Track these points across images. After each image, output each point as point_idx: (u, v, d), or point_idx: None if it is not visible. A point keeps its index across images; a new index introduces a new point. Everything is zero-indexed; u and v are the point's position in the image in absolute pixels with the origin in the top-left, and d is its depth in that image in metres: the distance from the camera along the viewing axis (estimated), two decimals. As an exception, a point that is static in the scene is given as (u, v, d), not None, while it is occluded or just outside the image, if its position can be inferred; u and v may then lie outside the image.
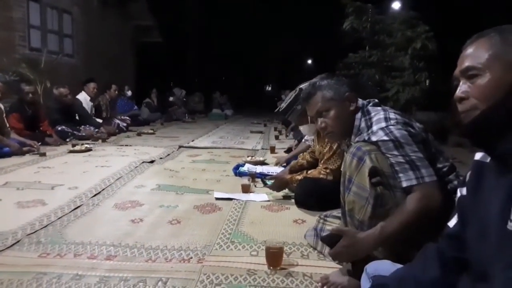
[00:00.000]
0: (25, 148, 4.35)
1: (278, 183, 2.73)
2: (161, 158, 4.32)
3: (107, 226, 2.15)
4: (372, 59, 7.59)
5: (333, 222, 1.78)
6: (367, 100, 1.67)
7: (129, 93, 8.72)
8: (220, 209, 2.49)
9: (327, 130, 1.64)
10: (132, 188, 2.97)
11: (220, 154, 4.74)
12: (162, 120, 9.24)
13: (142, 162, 3.91)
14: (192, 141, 5.92)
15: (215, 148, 5.27)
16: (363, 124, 1.58)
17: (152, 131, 6.91)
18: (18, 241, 1.88)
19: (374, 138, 1.47)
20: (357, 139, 1.58)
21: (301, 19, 21.63)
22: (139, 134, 6.52)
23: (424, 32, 6.55)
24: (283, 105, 2.86)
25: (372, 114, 1.57)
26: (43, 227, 2.07)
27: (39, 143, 4.62)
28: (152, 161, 4.05)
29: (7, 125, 4.56)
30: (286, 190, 2.80)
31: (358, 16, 7.59)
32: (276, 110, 5.03)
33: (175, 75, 14.93)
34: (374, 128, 1.50)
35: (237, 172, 3.52)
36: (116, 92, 7.44)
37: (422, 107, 6.93)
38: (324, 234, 1.76)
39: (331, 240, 1.35)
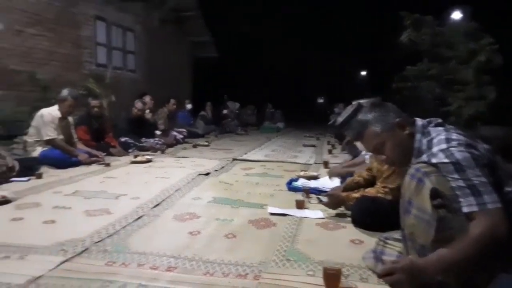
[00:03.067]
0: (91, 159, 4.66)
1: (334, 201, 2.69)
2: (216, 170, 4.43)
3: (167, 237, 2.23)
4: (432, 72, 7.31)
5: (394, 245, 1.72)
6: (428, 119, 1.62)
7: (189, 106, 9.08)
8: (274, 225, 2.49)
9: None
10: (190, 200, 3.07)
11: (273, 168, 4.76)
12: (216, 132, 9.47)
13: (199, 174, 4.03)
14: (245, 153, 6.01)
15: (268, 161, 5.30)
16: (424, 146, 1.53)
17: (207, 143, 7.11)
18: (86, 249, 2.01)
19: (434, 160, 1.42)
20: (417, 160, 1.54)
21: (354, 30, 21.34)
22: (194, 146, 6.73)
23: (489, 44, 6.21)
24: (340, 119, 2.83)
25: (433, 134, 1.52)
26: (109, 236, 2.20)
27: (104, 154, 4.93)
28: (207, 173, 4.16)
29: (75, 136, 4.93)
30: (342, 208, 2.74)
31: (416, 28, 7.37)
32: (329, 123, 4.96)
33: (229, 89, 15.31)
34: (435, 149, 1.45)
35: (291, 186, 3.51)
36: (175, 106, 7.76)
37: (487, 122, 6.54)
38: (384, 257, 1.71)
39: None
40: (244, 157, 5.64)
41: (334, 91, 22.57)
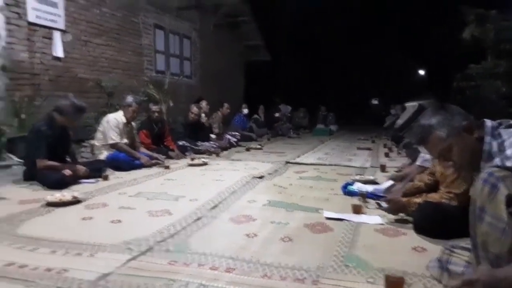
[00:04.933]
0: (152, 161, 4.89)
1: (394, 206, 2.60)
2: (269, 173, 4.45)
3: (225, 238, 2.28)
4: (498, 70, 6.83)
5: (461, 254, 1.63)
6: (498, 121, 1.52)
7: (246, 110, 9.22)
8: (331, 230, 2.46)
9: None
10: (245, 202, 3.12)
11: (327, 171, 4.70)
12: (269, 135, 9.53)
13: (253, 177, 4.08)
14: (298, 157, 5.98)
15: (322, 165, 5.24)
16: (495, 149, 1.44)
17: (259, 147, 7.18)
18: (150, 248, 2.11)
19: (509, 163, 1.33)
20: (487, 164, 1.45)
21: (411, 27, 20.45)
22: (248, 149, 6.82)
23: None
24: (399, 121, 2.73)
25: (505, 137, 1.43)
26: (171, 236, 2.29)
27: (164, 157, 5.15)
28: (261, 177, 4.19)
29: (138, 140, 5.19)
30: (402, 214, 2.64)
31: (479, 24, 6.93)
32: (385, 125, 4.79)
33: (281, 91, 15.34)
34: (508, 152, 1.36)
35: (346, 191, 3.45)
36: (228, 110, 7.92)
37: None
38: (450, 266, 1.62)
39: None
40: (297, 160, 5.62)
41: (389, 91, 21.76)
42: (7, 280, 1.69)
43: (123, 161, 4.60)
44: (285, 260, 1.95)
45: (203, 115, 7.12)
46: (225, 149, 6.75)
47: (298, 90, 18.80)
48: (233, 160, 5.61)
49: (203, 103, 7.31)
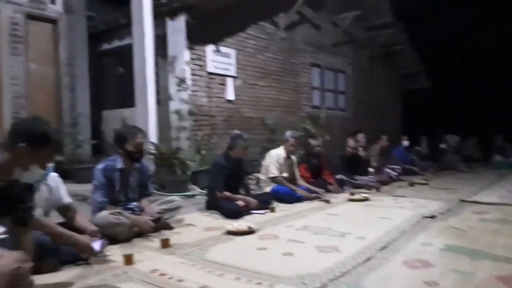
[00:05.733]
0: (311, 195, 5.00)
1: None
2: (441, 213, 4.03)
3: (401, 284, 2.14)
4: None
5: None
6: None
7: (406, 142, 8.71)
8: (534, 287, 2.06)
9: None
10: (418, 245, 2.88)
11: (515, 213, 4.00)
12: (434, 169, 8.71)
13: (423, 217, 3.76)
14: (475, 194, 5.27)
15: (508, 205, 4.49)
16: None
17: (425, 182, 6.61)
18: (324, 285, 2.13)
19: None
20: None
21: None
22: (411, 185, 6.36)
23: None
24: None
25: None
26: (342, 275, 2.27)
27: (323, 191, 5.22)
28: (433, 216, 3.83)
29: (298, 174, 5.40)
30: None
31: None
32: None
33: (445, 120, 13.96)
34: None
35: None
36: (387, 142, 7.60)
37: None
38: None
39: None
40: (474, 198, 4.95)
41: None
42: (204, 301, 1.93)
43: (285, 194, 4.82)
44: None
45: (360, 148, 6.99)
46: (385, 183, 6.43)
47: (466, 118, 16.80)
48: (396, 196, 5.30)
49: (360, 136, 7.18)
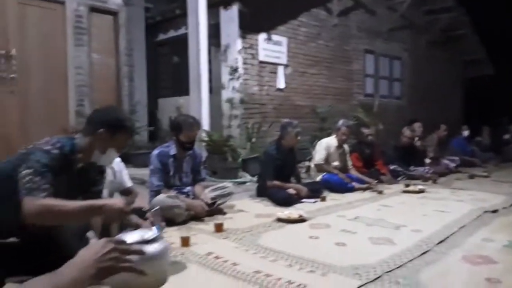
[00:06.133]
0: (363, 186, 4.91)
1: None
2: (504, 207, 3.80)
3: (461, 279, 2.06)
4: None
5: None
6: None
7: (466, 133, 8.24)
8: None
9: None
10: (479, 240, 2.75)
11: None
12: (496, 161, 8.18)
13: (484, 211, 3.56)
14: (542, 189, 4.90)
15: None
16: None
17: (486, 174, 6.23)
18: (379, 277, 2.10)
19: None
20: None
21: None
22: (471, 177, 6.02)
23: None
24: None
25: None
26: (398, 267, 2.22)
27: (375, 181, 5.09)
28: (495, 211, 3.62)
29: (350, 163, 5.31)
30: None
31: None
32: None
33: (510, 110, 12.99)
34: None
35: None
36: (446, 132, 7.24)
37: None
38: None
39: None
40: (543, 193, 4.60)
41: None
42: (258, 286, 1.97)
43: (336, 184, 4.77)
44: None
45: (416, 138, 6.72)
46: (443, 175, 6.13)
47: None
48: (454, 188, 5.04)
49: (416, 125, 6.89)
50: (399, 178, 5.66)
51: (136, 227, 2.12)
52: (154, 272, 1.62)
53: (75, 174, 1.89)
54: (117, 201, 1.85)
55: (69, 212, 1.70)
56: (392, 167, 5.85)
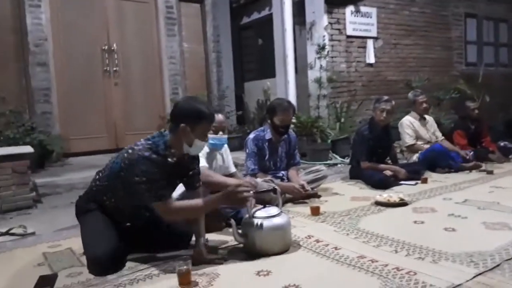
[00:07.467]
0: (468, 164, 4.47)
1: None
2: None
3: None
4: None
5: None
6: None
7: None
8: None
9: None
10: None
11: None
12: None
13: None
14: None
15: None
16: None
17: None
18: (498, 265, 1.89)
19: None
20: None
21: None
22: None
23: None
24: None
25: None
26: (520, 256, 1.98)
27: (484, 161, 4.62)
28: None
29: (440, 134, 4.85)
30: None
31: None
32: None
33: None
34: None
35: None
36: None
37: None
38: None
39: None
40: None
41: None
42: (364, 271, 1.90)
43: (439, 154, 4.38)
44: None
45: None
46: None
47: None
48: None
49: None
50: (510, 156, 5.07)
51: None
52: (280, 238, 2.17)
53: (173, 165, 2.05)
54: (234, 188, 2.03)
55: (199, 208, 2.05)
56: (502, 143, 5.26)
